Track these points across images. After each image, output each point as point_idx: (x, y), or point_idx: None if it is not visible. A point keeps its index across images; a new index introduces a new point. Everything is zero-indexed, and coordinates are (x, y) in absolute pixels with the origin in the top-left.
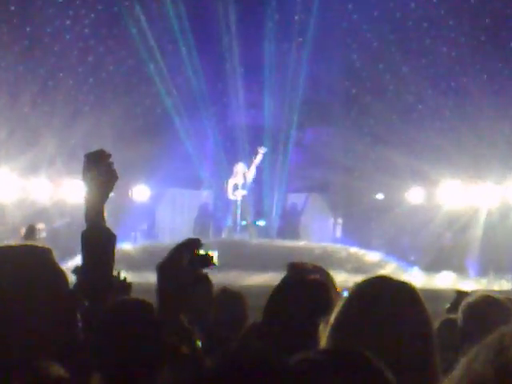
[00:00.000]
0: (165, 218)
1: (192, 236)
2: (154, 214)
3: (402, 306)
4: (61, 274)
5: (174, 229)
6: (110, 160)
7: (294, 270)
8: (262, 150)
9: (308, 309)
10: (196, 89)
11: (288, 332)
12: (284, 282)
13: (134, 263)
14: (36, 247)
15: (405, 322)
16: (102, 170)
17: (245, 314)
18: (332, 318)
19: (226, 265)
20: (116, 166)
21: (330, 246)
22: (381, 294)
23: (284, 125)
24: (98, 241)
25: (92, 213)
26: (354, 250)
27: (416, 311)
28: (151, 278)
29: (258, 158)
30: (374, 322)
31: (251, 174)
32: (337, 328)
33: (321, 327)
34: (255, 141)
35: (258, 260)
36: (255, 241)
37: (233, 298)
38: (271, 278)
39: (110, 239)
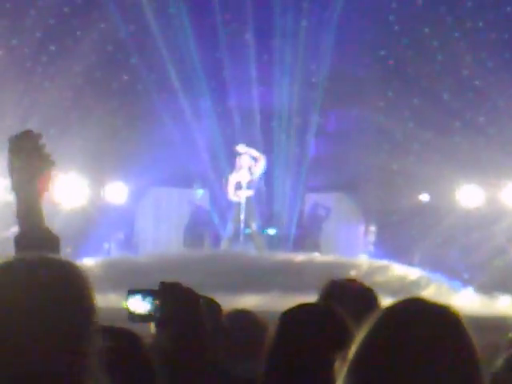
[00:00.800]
0: (147, 224)
1: (182, 248)
2: (133, 219)
3: (440, 338)
4: (87, 298)
5: (158, 239)
6: (41, 142)
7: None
8: (241, 149)
9: (319, 342)
10: (187, 59)
11: (296, 373)
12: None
13: (96, 283)
14: (54, 259)
15: (444, 359)
16: (31, 156)
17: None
18: (351, 352)
19: (221, 285)
20: (84, 158)
21: (359, 260)
22: (413, 322)
23: (302, 106)
24: (35, 247)
25: (24, 211)
26: (390, 265)
27: (459, 345)
28: (116, 301)
29: (244, 161)
30: (404, 358)
31: (259, 168)
32: (357, 366)
33: (336, 365)
34: (264, 126)
35: (265, 279)
36: (263, 254)
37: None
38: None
39: (51, 244)
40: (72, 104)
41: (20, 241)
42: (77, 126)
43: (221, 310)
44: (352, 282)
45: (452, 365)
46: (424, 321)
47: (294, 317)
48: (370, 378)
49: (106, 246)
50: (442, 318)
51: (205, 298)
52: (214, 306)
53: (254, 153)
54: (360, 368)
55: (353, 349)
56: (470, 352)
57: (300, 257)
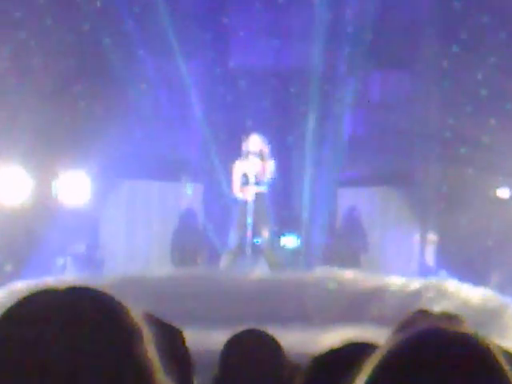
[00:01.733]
0: (117, 232)
1: (168, 265)
2: (98, 225)
3: (466, 379)
4: (134, 336)
5: (132, 252)
6: None
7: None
8: (254, 143)
9: None
10: (173, 3)
11: None
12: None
13: None
14: (94, 292)
15: None
16: None
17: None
18: None
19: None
20: (27, 141)
21: (413, 280)
22: (429, 358)
23: (333, 68)
24: None
25: None
26: (458, 286)
27: None
28: None
29: (254, 145)
30: None
31: (267, 150)
32: None
33: None
34: (279, 95)
35: (282, 307)
36: (279, 274)
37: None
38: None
39: None
40: (10, 65)
41: None
42: (15, 97)
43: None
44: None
45: None
46: (442, 355)
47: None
48: None
49: (61, 261)
50: (470, 351)
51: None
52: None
53: (264, 152)
54: None
55: None
56: None
57: (333, 276)
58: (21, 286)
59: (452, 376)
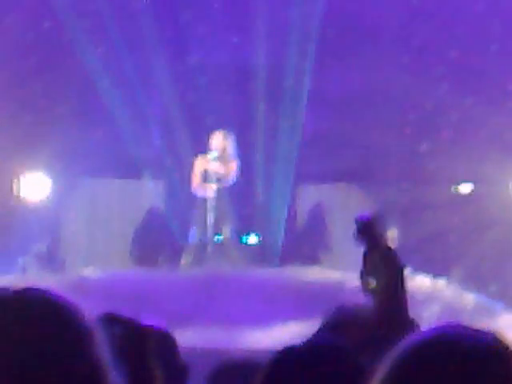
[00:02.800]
0: (78, 230)
1: (128, 264)
2: (59, 223)
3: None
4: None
5: (93, 251)
6: None
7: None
8: (217, 140)
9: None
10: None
11: None
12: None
13: None
14: (46, 293)
15: None
16: None
17: None
18: None
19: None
20: None
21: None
22: (446, 361)
23: (292, 63)
24: None
25: None
26: (422, 281)
27: None
28: None
29: (216, 141)
30: None
31: (231, 149)
32: None
33: None
34: (238, 91)
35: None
36: (240, 270)
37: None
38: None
39: None
40: None
41: None
42: None
43: (176, 346)
44: (363, 308)
45: None
46: (458, 356)
47: (289, 358)
48: None
49: (20, 261)
50: (484, 351)
51: (158, 332)
52: (168, 342)
53: (229, 150)
54: None
55: None
56: None
57: (293, 273)
58: None
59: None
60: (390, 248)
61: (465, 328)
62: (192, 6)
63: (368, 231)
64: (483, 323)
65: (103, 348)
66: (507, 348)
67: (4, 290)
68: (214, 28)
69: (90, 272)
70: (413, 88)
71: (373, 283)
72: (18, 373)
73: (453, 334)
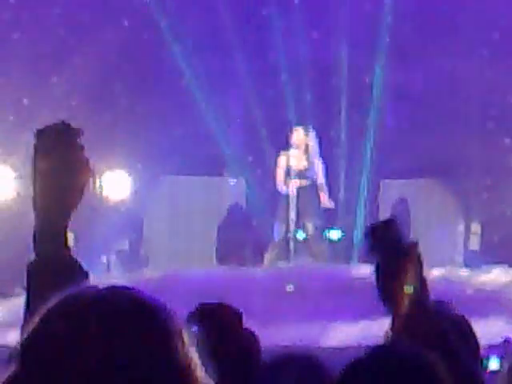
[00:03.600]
0: (159, 228)
1: (212, 262)
2: (142, 221)
3: None
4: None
5: (175, 248)
6: (79, 140)
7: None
8: (298, 136)
9: None
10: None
11: None
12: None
13: None
14: (134, 292)
15: None
16: (66, 159)
17: None
18: None
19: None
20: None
21: (458, 270)
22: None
23: (374, 58)
24: (54, 282)
25: (47, 233)
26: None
27: None
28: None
29: (299, 138)
30: None
31: (315, 149)
32: None
33: None
34: (320, 87)
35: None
36: (325, 266)
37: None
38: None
39: (75, 278)
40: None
41: (34, 270)
42: (55, 95)
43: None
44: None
45: None
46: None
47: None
48: None
49: (104, 259)
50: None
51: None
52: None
53: (310, 145)
54: None
55: None
56: None
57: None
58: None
59: None
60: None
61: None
62: (272, 2)
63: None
64: None
65: (192, 348)
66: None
67: (92, 287)
68: (294, 25)
69: (172, 271)
70: (495, 82)
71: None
72: (107, 376)
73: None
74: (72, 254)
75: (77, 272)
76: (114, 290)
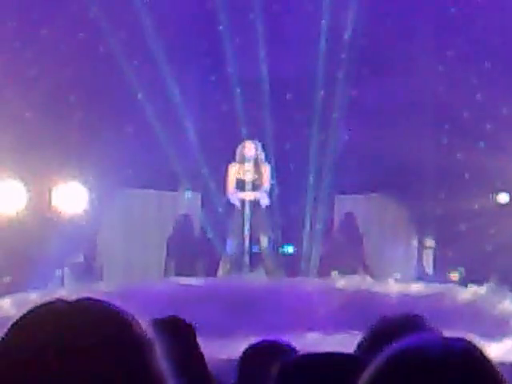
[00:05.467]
0: (114, 241)
1: (164, 275)
2: (96, 234)
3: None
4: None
5: (129, 261)
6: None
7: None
8: (248, 148)
9: None
10: (169, 11)
11: None
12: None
13: None
14: (104, 303)
15: None
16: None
17: None
18: None
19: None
20: (17, 150)
21: (412, 284)
22: (419, 370)
23: (329, 75)
24: None
25: None
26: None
27: None
28: None
29: (250, 150)
30: None
31: (262, 158)
32: None
33: None
34: (275, 102)
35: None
36: (279, 281)
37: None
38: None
39: None
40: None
41: None
42: (8, 106)
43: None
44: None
45: None
46: (431, 363)
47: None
48: None
49: (58, 272)
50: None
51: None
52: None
53: (258, 157)
54: None
55: None
56: None
57: (333, 282)
58: (26, 297)
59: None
60: None
61: (438, 337)
62: (227, 19)
63: None
64: None
65: (161, 358)
66: (480, 354)
67: (59, 301)
68: (248, 40)
69: (126, 284)
70: (448, 98)
71: None
72: (83, 380)
73: (424, 343)
74: None
75: None
76: (82, 301)
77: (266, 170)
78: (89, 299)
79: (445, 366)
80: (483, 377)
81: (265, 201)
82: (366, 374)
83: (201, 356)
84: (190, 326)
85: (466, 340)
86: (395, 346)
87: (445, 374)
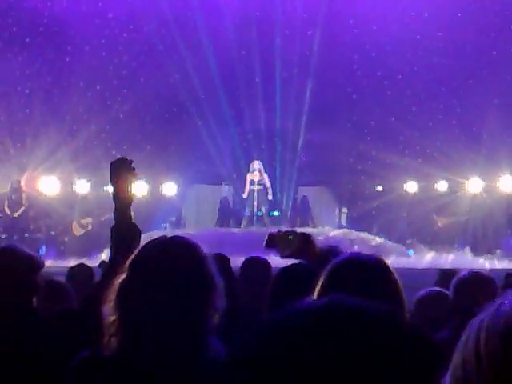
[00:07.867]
0: (190, 210)
1: (214, 225)
2: (181, 207)
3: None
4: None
5: (198, 220)
6: (131, 165)
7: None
8: (255, 165)
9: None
10: (217, 96)
11: None
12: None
13: None
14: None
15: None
16: (124, 175)
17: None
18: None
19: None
20: (148, 166)
21: (336, 231)
22: (353, 271)
23: (295, 127)
24: (125, 235)
25: (118, 212)
26: (361, 234)
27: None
28: None
29: (256, 165)
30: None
31: (263, 170)
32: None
33: None
34: (269, 141)
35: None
36: (269, 229)
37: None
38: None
39: (134, 233)
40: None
41: (116, 231)
42: (139, 142)
43: (229, 263)
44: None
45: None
46: (359, 267)
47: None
48: None
49: (163, 225)
50: (373, 262)
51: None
52: (223, 260)
53: (261, 169)
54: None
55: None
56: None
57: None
58: (151, 234)
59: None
60: None
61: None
62: (244, 99)
63: None
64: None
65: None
66: (384, 262)
67: (163, 236)
68: (256, 109)
69: (197, 230)
70: (351, 140)
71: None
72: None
73: (356, 256)
74: (133, 221)
75: (136, 229)
76: (178, 237)
77: (266, 176)
78: (180, 236)
79: (367, 265)
80: (389, 271)
81: (269, 196)
82: (321, 276)
83: (233, 276)
84: (228, 258)
85: (377, 255)
86: (337, 258)
87: (369, 270)
